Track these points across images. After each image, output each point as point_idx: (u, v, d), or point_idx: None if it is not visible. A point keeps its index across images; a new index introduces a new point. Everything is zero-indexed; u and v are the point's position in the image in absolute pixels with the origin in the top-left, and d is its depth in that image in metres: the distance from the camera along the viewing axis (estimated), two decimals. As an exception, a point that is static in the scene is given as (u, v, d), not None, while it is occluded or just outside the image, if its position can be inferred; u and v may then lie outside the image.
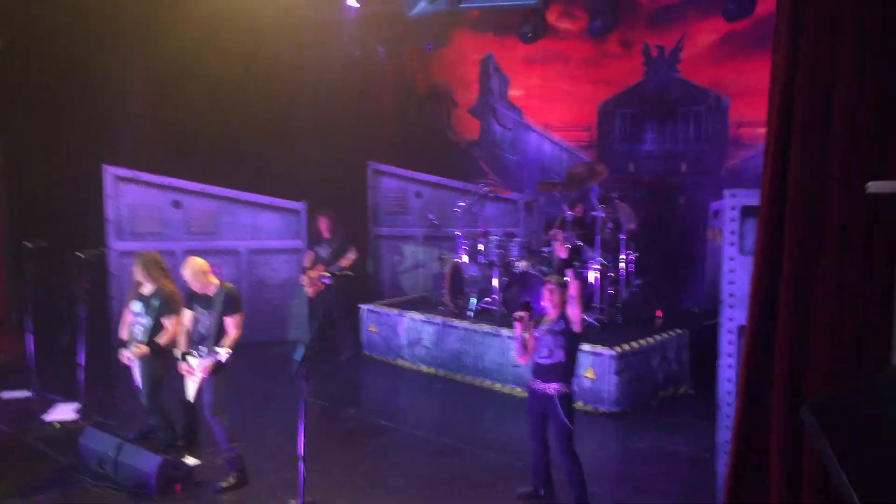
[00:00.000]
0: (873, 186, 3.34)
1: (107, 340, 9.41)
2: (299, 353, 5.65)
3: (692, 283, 11.27)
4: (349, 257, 10.40)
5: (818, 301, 3.79)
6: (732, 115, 11.03)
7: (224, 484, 6.52)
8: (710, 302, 8.04)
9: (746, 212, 5.24)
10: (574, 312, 6.05)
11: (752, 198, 4.97)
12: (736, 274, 5.40)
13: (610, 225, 10.06)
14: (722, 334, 5.63)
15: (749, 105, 10.60)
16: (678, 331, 9.40)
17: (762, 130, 4.48)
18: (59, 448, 7.33)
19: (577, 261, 9.64)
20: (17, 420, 8.08)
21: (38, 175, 10.53)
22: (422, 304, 11.05)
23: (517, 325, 6.22)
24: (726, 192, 5.45)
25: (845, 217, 3.70)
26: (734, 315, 5.42)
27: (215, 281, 6.76)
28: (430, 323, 10.24)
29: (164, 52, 11.14)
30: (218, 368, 6.59)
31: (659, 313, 9.64)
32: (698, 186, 11.39)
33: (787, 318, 3.89)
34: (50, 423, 7.92)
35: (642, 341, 8.89)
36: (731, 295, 5.47)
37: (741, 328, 5.10)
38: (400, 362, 10.56)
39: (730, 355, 5.57)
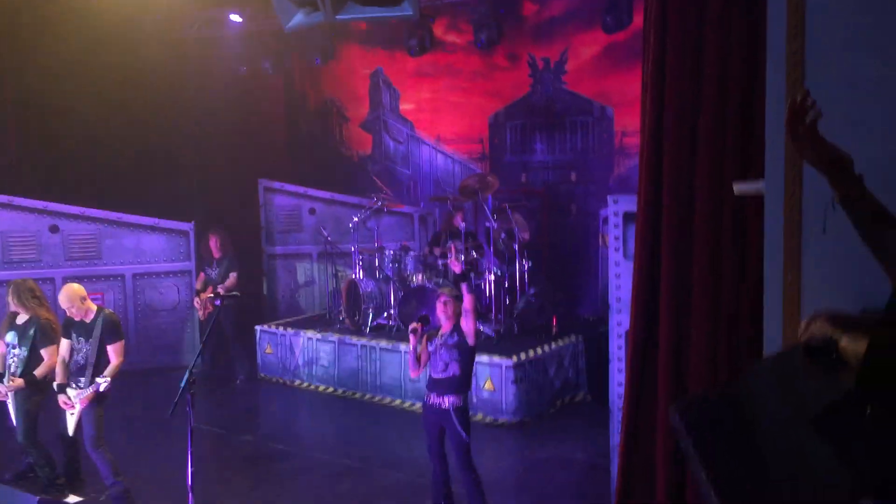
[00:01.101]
0: (739, 188, 3.45)
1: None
2: (184, 379, 5.42)
3: (586, 290, 11.47)
4: (231, 278, 10.14)
5: (695, 302, 3.88)
6: (617, 125, 11.32)
7: (109, 521, 6.20)
8: (604, 308, 8.19)
9: (628, 217, 5.35)
10: (468, 325, 6.03)
11: (633, 203, 5.07)
12: (621, 279, 5.50)
13: (503, 235, 10.15)
14: (611, 339, 5.73)
15: (632, 114, 10.88)
16: (573, 338, 9.55)
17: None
18: (-76, 495, 6.81)
19: (473, 272, 9.67)
20: None
21: None
22: (319, 322, 10.87)
23: (411, 337, 6.15)
24: (609, 199, 5.56)
25: (716, 219, 3.81)
26: (622, 319, 5.52)
27: (93, 307, 6.46)
28: (326, 341, 10.06)
29: (37, 70, 10.59)
30: (99, 399, 6.28)
31: (554, 321, 9.76)
32: (588, 194, 11.63)
33: (668, 320, 3.97)
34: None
35: (539, 349, 8.98)
36: (619, 300, 5.57)
37: (628, 333, 5.18)
38: (297, 383, 10.33)
39: (619, 359, 5.66)
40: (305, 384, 10.25)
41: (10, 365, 6.72)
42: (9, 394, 6.68)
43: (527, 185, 12.14)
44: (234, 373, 10.42)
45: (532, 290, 9.95)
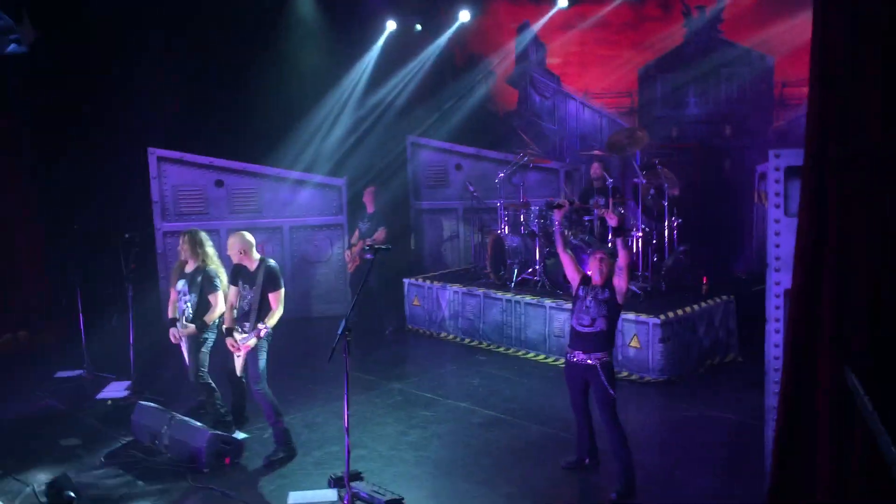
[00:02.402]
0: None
1: (155, 319, 9.59)
2: (341, 327, 5.69)
3: (739, 249, 11.05)
4: (380, 232, 10.37)
5: (861, 261, 3.67)
6: (777, 75, 10.73)
7: (271, 457, 6.62)
8: (758, 267, 7.87)
9: (791, 172, 5.09)
10: (621, 283, 5.98)
11: (797, 158, 4.83)
12: (781, 237, 5.26)
13: (652, 191, 9.91)
14: (769, 298, 5.51)
15: (794, 64, 10.29)
16: (725, 297, 9.24)
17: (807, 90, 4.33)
18: (112, 425, 7.52)
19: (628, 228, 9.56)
20: (71, 398, 8.31)
21: (83, 159, 10.70)
22: (464, 276, 11.05)
23: (556, 212, 6.44)
24: (770, 153, 5.30)
25: (887, 172, 3.56)
26: (780, 279, 5.29)
27: (257, 256, 6.83)
28: (472, 295, 10.22)
29: (207, 32, 11.18)
30: (262, 343, 6.67)
31: (705, 280, 9.48)
32: (743, 149, 11.14)
33: (832, 279, 3.78)
34: (103, 401, 8.12)
35: (688, 308, 8.77)
36: (777, 258, 5.34)
37: (787, 292, 4.98)
38: (443, 335, 10.58)
39: (777, 320, 5.44)
40: (451, 336, 10.48)
41: (182, 311, 7.23)
42: (182, 337, 7.21)
43: (678, 140, 11.75)
44: (383, 324, 10.77)
45: (681, 248, 9.69)
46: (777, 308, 5.42)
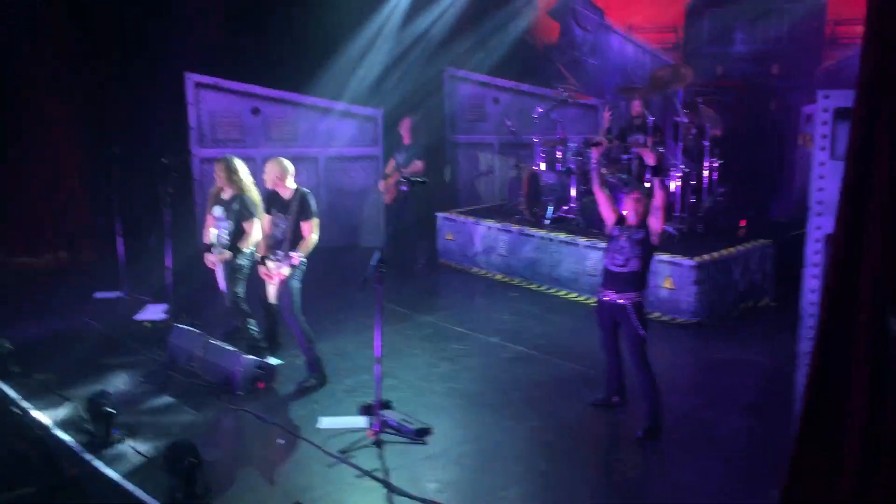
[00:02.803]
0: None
1: (192, 244, 9.71)
2: (375, 258, 5.72)
3: (781, 192, 10.86)
4: (415, 164, 10.29)
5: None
6: (830, 13, 10.35)
7: (303, 383, 6.75)
8: (799, 212, 7.72)
9: (840, 114, 4.93)
10: (656, 224, 5.91)
11: (847, 99, 4.67)
12: (826, 180, 5.13)
13: (693, 131, 9.71)
14: (808, 243, 5.41)
15: (848, 1, 9.91)
16: (762, 241, 9.12)
17: (862, 28, 4.16)
18: (149, 345, 7.70)
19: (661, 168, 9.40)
20: (110, 319, 8.51)
21: (120, 84, 10.73)
22: (498, 212, 11.01)
23: (594, 150, 6.44)
24: (819, 93, 5.14)
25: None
26: (822, 223, 5.18)
27: (293, 185, 6.84)
28: (505, 231, 10.20)
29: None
30: (295, 272, 6.73)
31: (742, 223, 9.34)
32: (791, 89, 10.83)
33: (877, 225, 3.68)
34: (141, 323, 8.30)
35: (724, 251, 8.67)
36: (820, 202, 5.22)
37: (828, 237, 4.88)
38: (475, 270, 10.60)
39: (815, 265, 5.35)
40: (483, 272, 10.50)
41: (218, 237, 7.30)
42: (218, 263, 7.29)
43: (723, 78, 11.45)
44: (416, 257, 10.80)
45: (720, 190, 9.55)
46: (816, 253, 5.32)
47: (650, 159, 6.60)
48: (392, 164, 10.69)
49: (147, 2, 10.73)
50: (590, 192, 9.49)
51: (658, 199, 5.93)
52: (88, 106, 10.77)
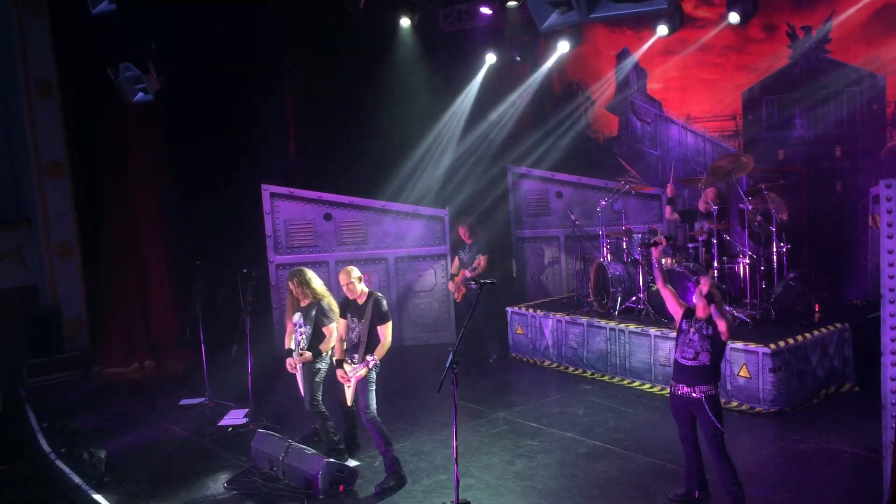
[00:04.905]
0: None
1: (269, 347, 10.03)
2: (449, 360, 5.87)
3: (853, 274, 10.67)
4: (479, 260, 10.49)
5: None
6: (890, 94, 10.38)
7: (383, 485, 6.84)
8: (874, 293, 7.62)
9: (904, 202, 4.99)
10: (723, 326, 5.88)
11: (910, 187, 4.74)
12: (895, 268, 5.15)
13: (759, 217, 9.72)
14: (884, 331, 5.39)
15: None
16: (839, 325, 8.97)
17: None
18: (233, 450, 7.93)
19: (725, 255, 9.42)
20: (194, 425, 8.81)
21: (203, 196, 11.41)
22: (567, 304, 11.09)
23: (654, 250, 6.41)
24: (882, 183, 5.21)
25: None
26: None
27: (365, 289, 7.11)
28: (575, 324, 10.26)
29: (314, 79, 11.77)
30: (371, 374, 6.91)
31: (816, 307, 9.21)
32: (856, 170, 10.79)
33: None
34: (224, 428, 8.56)
35: (799, 337, 8.55)
36: (892, 290, 5.23)
37: (903, 324, 4.87)
38: (547, 363, 10.63)
39: (894, 353, 5.32)
40: (554, 365, 10.52)
41: (298, 342, 7.57)
42: (297, 366, 7.54)
43: (785, 163, 11.48)
44: (487, 352, 10.90)
45: (791, 274, 9.46)
46: (893, 340, 5.29)
47: (704, 286, 6.28)
48: (457, 262, 10.93)
49: (231, 118, 11.48)
50: (657, 283, 9.56)
51: (721, 327, 5.87)
52: (175, 218, 11.43)
